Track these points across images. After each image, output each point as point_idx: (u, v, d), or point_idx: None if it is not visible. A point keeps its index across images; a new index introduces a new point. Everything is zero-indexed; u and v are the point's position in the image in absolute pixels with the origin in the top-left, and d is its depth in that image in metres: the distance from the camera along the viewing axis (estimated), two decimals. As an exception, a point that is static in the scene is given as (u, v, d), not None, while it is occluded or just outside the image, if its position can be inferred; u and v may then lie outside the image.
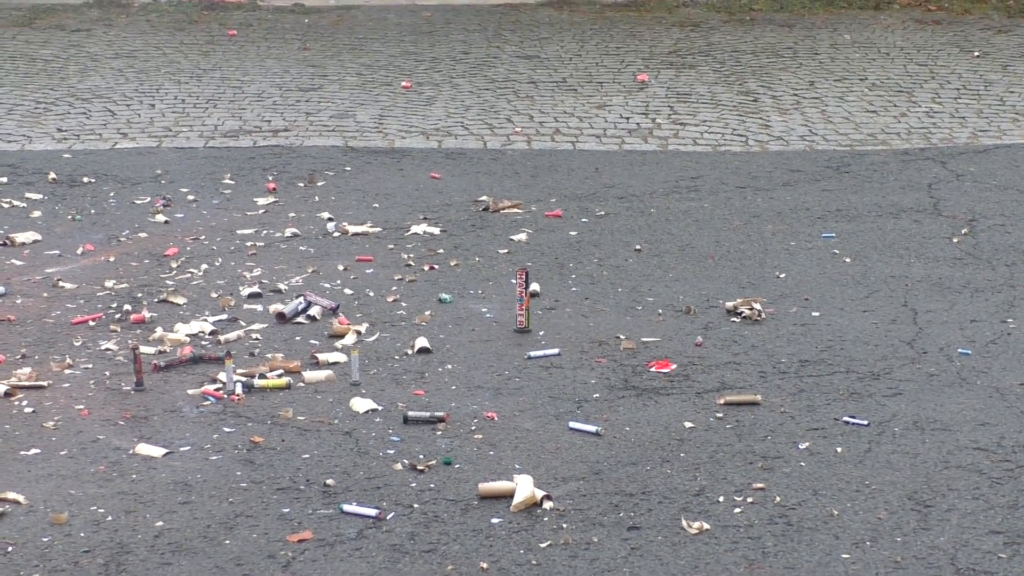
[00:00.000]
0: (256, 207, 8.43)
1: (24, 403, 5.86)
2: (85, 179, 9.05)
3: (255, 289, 7.11)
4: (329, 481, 5.14)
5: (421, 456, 5.33)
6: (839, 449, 5.36)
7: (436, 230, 8.00)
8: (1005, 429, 5.52)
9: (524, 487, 4.98)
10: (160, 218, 8.29)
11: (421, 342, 6.40)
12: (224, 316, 6.78)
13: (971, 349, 6.31)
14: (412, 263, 7.50)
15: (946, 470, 5.19)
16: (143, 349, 6.26)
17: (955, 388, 5.91)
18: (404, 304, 6.93)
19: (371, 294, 7.06)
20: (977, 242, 7.74)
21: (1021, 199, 8.49)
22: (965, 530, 4.77)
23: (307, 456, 5.33)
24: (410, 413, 5.66)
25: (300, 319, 6.71)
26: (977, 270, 7.31)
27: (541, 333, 6.53)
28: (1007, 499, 4.97)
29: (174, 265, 7.49)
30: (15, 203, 8.57)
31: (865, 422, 5.58)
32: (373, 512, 4.90)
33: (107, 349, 6.41)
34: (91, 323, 6.71)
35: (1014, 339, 6.43)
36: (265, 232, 7.99)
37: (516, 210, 8.38)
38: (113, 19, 13.99)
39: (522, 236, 7.91)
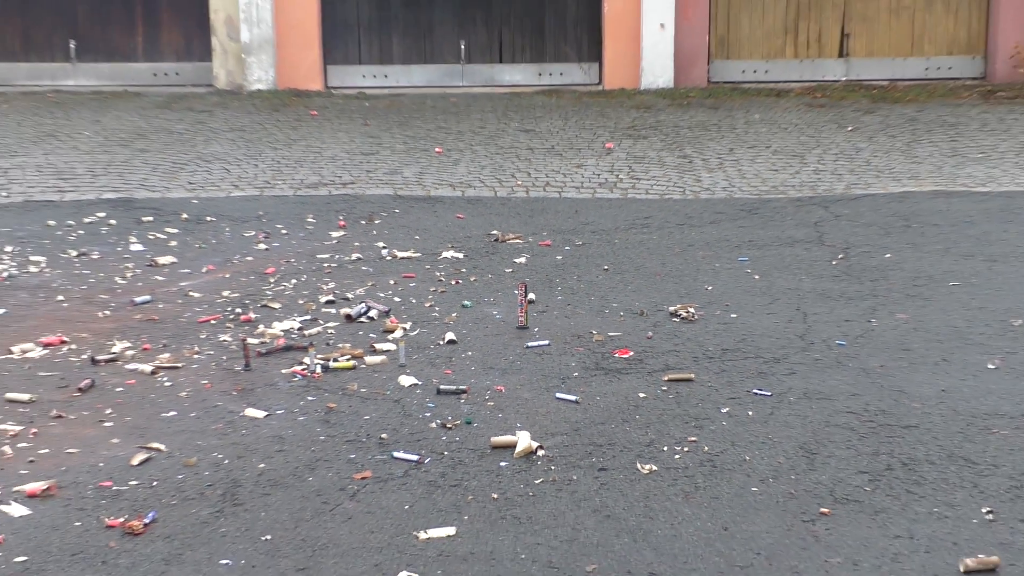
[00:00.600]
0: (331, 239, 8.46)
1: (164, 379, 5.89)
2: (208, 218, 9.08)
3: (330, 297, 7.14)
4: (383, 435, 5.16)
5: (450, 417, 5.35)
6: (750, 413, 5.38)
7: (460, 255, 8.02)
8: (870, 399, 5.54)
9: (523, 440, 5.00)
10: (262, 247, 8.32)
11: (449, 335, 6.42)
12: (308, 317, 6.81)
13: (846, 341, 6.33)
14: (443, 279, 7.52)
15: (827, 428, 5.21)
16: (250, 340, 6.29)
17: (834, 369, 5.93)
18: (437, 308, 6.95)
19: (413, 301, 7.08)
20: (850, 264, 7.75)
21: (881, 233, 8.51)
22: (840, 471, 4.79)
23: (367, 417, 5.35)
24: (441, 386, 5.68)
25: (362, 319, 6.74)
26: (850, 284, 7.32)
27: (536, 329, 6.54)
28: (871, 449, 4.99)
29: (272, 280, 7.51)
30: (158, 235, 8.61)
31: (769, 393, 5.60)
32: (415, 458, 4.92)
33: (224, 340, 6.43)
34: (212, 322, 6.73)
35: (876, 334, 6.44)
36: (337, 256, 8.01)
37: (518, 241, 8.40)
38: (228, 103, 14.04)
39: (522, 259, 7.93)
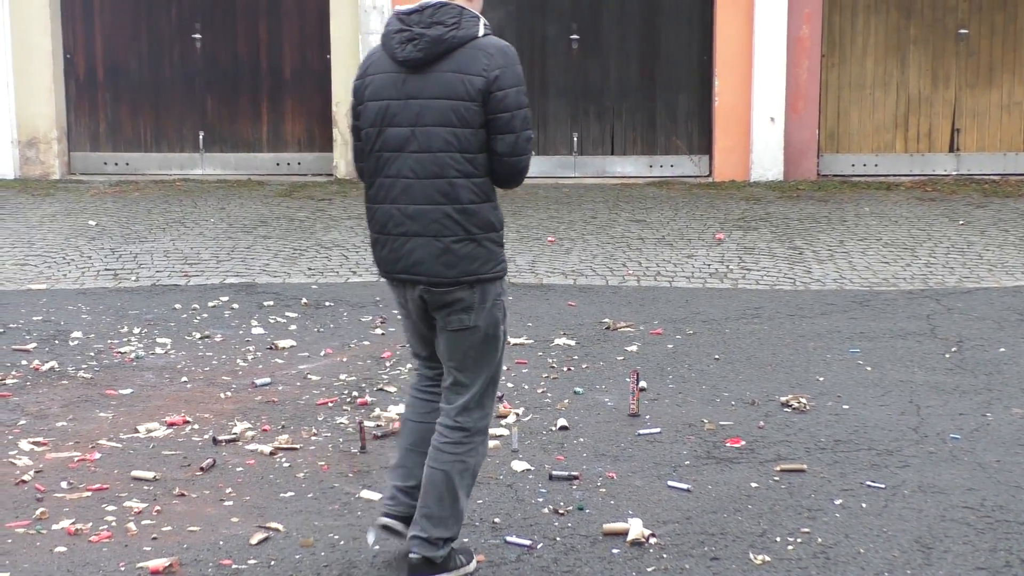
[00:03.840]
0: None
1: (283, 459, 5.94)
2: (326, 303, 9.18)
3: (445, 382, 7.14)
4: (496, 520, 5.14)
5: (562, 503, 5.32)
6: (864, 505, 5.28)
7: (572, 342, 8.01)
8: (986, 494, 5.40)
9: (635, 527, 4.96)
10: (378, 331, 8.39)
11: (561, 422, 6.40)
12: (423, 401, 6.82)
13: (960, 435, 6.20)
14: (555, 365, 7.51)
15: (943, 522, 5.09)
16: (366, 423, 6.32)
17: (949, 463, 5.80)
18: (549, 395, 6.93)
19: (526, 387, 7.07)
20: (963, 357, 7.60)
21: (995, 326, 8.34)
22: (957, 567, 4.67)
23: (480, 502, 5.34)
24: (554, 472, 5.65)
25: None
26: (964, 377, 7.18)
27: (647, 417, 6.50)
28: (989, 544, 4.86)
29: (388, 364, 7.56)
30: (278, 319, 8.72)
31: (883, 486, 5.49)
32: (528, 543, 4.89)
33: (341, 423, 6.47)
34: (330, 405, 6.78)
35: (992, 428, 6.30)
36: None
37: (629, 329, 8.37)
38: (347, 192, 14.24)
39: (633, 347, 7.90)
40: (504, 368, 7.28)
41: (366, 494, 5.41)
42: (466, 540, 4.91)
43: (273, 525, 5.09)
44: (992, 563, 4.68)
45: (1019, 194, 13.82)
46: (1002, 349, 7.77)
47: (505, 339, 4.58)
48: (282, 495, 5.46)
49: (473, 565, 4.62)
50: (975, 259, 10.58)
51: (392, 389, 7.03)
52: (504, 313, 4.54)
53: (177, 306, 9.09)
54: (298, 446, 6.10)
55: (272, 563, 4.74)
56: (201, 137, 15.28)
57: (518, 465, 5.78)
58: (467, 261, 4.31)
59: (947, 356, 7.63)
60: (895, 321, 8.51)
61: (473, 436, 4.50)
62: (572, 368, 7.46)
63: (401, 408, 6.65)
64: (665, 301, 9.20)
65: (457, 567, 4.54)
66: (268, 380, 7.22)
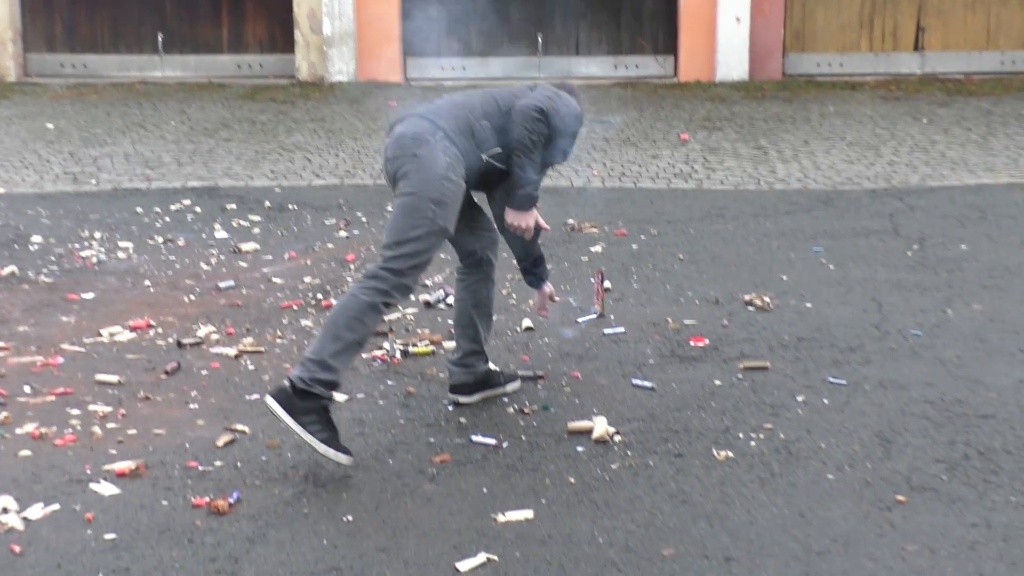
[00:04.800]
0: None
1: (248, 363, 5.93)
2: (290, 206, 9.14)
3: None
4: (462, 419, 5.16)
5: (527, 402, 5.34)
6: (826, 401, 5.32)
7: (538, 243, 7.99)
8: (946, 388, 5.46)
9: (600, 425, 4.99)
10: (342, 234, 8.36)
11: (527, 322, 6.41)
12: (388, 303, 6.82)
13: (921, 331, 6.24)
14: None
15: (903, 416, 5.14)
16: (331, 325, 6.30)
17: (909, 358, 5.85)
18: (514, 295, 6.94)
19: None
20: (925, 255, 7.65)
21: (956, 224, 8.38)
22: (917, 459, 4.72)
23: (446, 402, 5.36)
24: (520, 372, 5.67)
25: (441, 305, 6.75)
26: (925, 275, 7.22)
27: (612, 317, 6.52)
28: (947, 438, 4.92)
29: (352, 267, 7.54)
30: (242, 223, 8.67)
31: (844, 382, 5.54)
32: (493, 441, 4.92)
33: (305, 325, 6.47)
34: (294, 308, 6.77)
35: (952, 324, 6.35)
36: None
37: (594, 230, 8.37)
38: (309, 94, 14.11)
39: (598, 248, 7.90)
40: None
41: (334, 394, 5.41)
42: (432, 440, 4.93)
43: (239, 427, 5.09)
44: (950, 455, 4.74)
45: (983, 93, 13.83)
46: (963, 247, 7.81)
47: (434, 219, 4.80)
48: (248, 398, 5.46)
49: (341, 458, 4.59)
50: (938, 158, 10.60)
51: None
52: (441, 193, 4.83)
53: (139, 210, 9.02)
54: (263, 349, 6.09)
55: (239, 464, 4.75)
56: (160, 39, 15.07)
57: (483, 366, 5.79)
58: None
59: (909, 254, 7.66)
60: (858, 220, 8.53)
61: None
62: (537, 269, 7.45)
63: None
64: (630, 202, 9.19)
65: (303, 423, 4.60)
66: (232, 283, 7.20)
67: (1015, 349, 5.96)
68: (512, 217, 5.02)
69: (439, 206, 4.71)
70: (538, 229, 5.16)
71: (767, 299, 6.72)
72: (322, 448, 4.57)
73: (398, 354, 5.95)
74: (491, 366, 5.40)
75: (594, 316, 6.37)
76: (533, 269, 5.42)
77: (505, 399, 5.37)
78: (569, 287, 7.06)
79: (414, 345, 6.07)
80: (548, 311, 5.61)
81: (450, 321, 6.49)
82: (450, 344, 6.07)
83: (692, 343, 6.10)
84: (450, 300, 6.73)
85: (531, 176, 4.90)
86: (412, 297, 6.87)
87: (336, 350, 4.63)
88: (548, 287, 5.50)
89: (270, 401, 4.60)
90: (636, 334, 6.25)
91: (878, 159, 10.56)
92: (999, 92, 13.88)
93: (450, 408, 5.28)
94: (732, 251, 7.79)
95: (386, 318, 6.53)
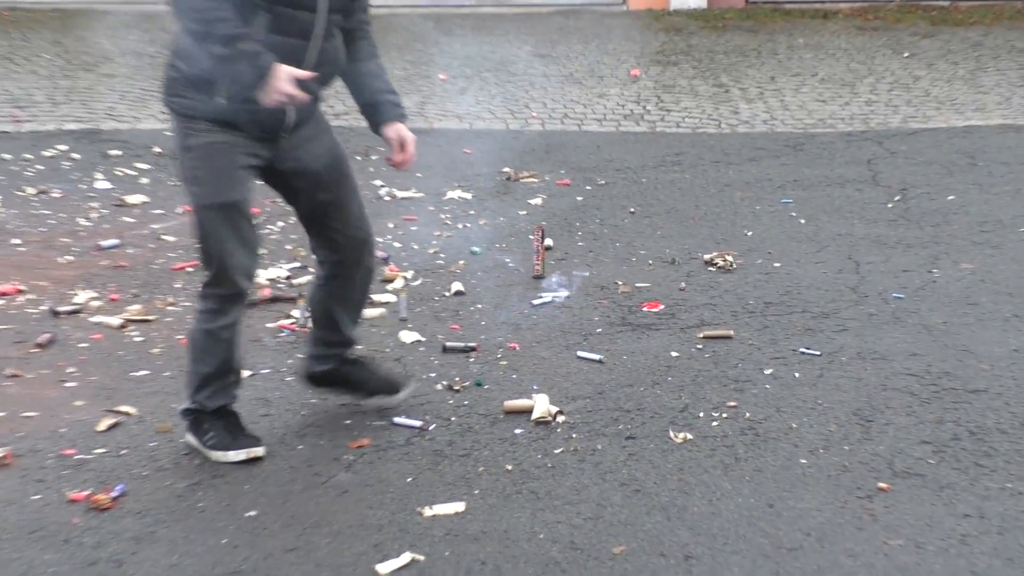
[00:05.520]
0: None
1: (135, 333, 5.85)
2: (183, 153, 9.01)
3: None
4: (382, 398, 5.11)
5: (457, 379, 5.29)
6: (797, 374, 5.32)
7: (468, 195, 7.95)
8: (932, 359, 5.47)
9: (541, 404, 4.95)
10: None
11: (456, 286, 6.37)
12: (296, 264, 6.75)
13: (904, 294, 6.26)
14: (449, 222, 7.45)
15: (884, 392, 5.14)
16: (231, 290, 6.22)
17: (891, 325, 5.86)
18: (442, 255, 6.89)
19: (415, 247, 7.02)
20: (908, 207, 7.67)
21: (943, 172, 8.41)
22: (900, 440, 4.73)
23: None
24: (448, 343, 5.63)
25: (359, 266, 6.68)
26: (908, 230, 7.24)
27: (553, 279, 6.48)
28: (934, 415, 4.93)
29: (256, 222, 7.43)
30: (127, 171, 8.54)
31: (818, 352, 5.53)
32: (418, 424, 4.87)
33: (201, 290, 6.38)
34: (189, 269, 6.68)
35: (938, 286, 6.37)
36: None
37: (533, 179, 8.33)
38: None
39: (538, 200, 7.86)
40: (390, 225, 7.21)
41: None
42: (348, 422, 4.88)
43: (124, 409, 5.01)
44: (938, 436, 4.75)
45: (971, 22, 13.89)
46: (951, 197, 7.84)
47: (200, 203, 4.48)
48: (134, 374, 5.38)
49: (230, 456, 4.56)
50: (921, 96, 10.63)
51: (262, 251, 6.92)
52: (189, 169, 4.45)
53: (6, 156, 8.86)
54: (152, 317, 6.00)
55: (123, 452, 4.67)
56: (31, -41, 14.79)
57: (407, 336, 5.75)
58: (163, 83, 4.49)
59: (890, 206, 7.68)
60: (832, 167, 8.55)
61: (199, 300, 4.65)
62: (468, 225, 7.41)
63: (273, 272, 6.59)
64: (574, 147, 9.15)
65: (203, 441, 4.62)
66: (116, 242, 7.09)
67: (1009, 314, 5.98)
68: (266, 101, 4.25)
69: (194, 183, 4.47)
70: (321, 80, 4.43)
71: (730, 258, 6.71)
72: (214, 455, 4.57)
73: (308, 323, 5.88)
74: (373, 366, 5.08)
75: (546, 299, 6.31)
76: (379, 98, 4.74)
77: (432, 374, 5.32)
78: (505, 246, 7.02)
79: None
80: (406, 161, 4.90)
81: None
82: (370, 312, 6.01)
83: (645, 309, 6.08)
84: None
85: (206, 56, 4.21)
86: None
87: (197, 386, 4.61)
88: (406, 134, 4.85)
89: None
90: (581, 299, 6.22)
91: (854, 98, 10.58)
92: (989, 21, 13.95)
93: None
94: (690, 203, 7.77)
95: (295, 282, 6.46)
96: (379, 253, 6.66)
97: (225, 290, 4.53)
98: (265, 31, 4.22)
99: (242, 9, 4.17)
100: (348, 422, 4.89)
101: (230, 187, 4.45)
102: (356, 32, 4.62)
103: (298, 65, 4.25)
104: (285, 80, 4.16)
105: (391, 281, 6.46)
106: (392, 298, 6.20)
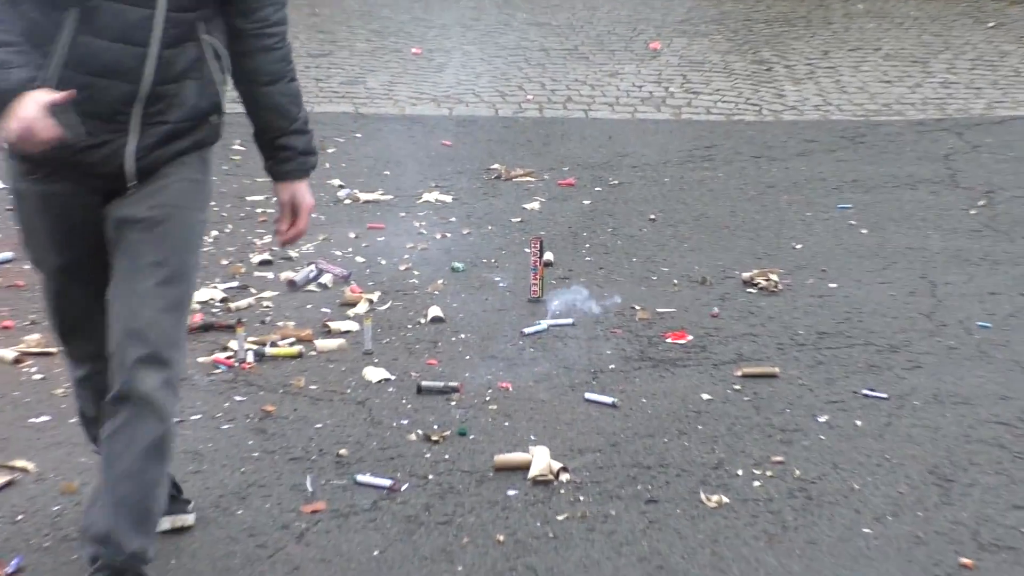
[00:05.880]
0: (265, 174, 8.38)
1: (33, 369, 5.83)
2: (94, 144, 9.01)
3: (266, 256, 7.08)
4: (342, 451, 5.09)
5: (435, 427, 5.28)
6: (858, 422, 5.31)
7: (448, 198, 7.96)
8: (1026, 403, 5.48)
9: (540, 459, 4.94)
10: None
11: (434, 311, 6.36)
12: (235, 283, 6.75)
13: (990, 322, 6.26)
14: (424, 231, 7.45)
15: (967, 444, 5.14)
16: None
17: (975, 361, 5.86)
18: (416, 272, 6.89)
19: (383, 262, 7.02)
20: (995, 214, 7.68)
21: (1039, 171, 8.44)
22: (987, 505, 4.72)
23: (320, 426, 5.28)
24: (424, 383, 5.61)
25: (311, 287, 6.68)
26: (996, 242, 7.25)
27: (555, 303, 6.48)
28: (1030, 474, 4.92)
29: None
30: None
31: (884, 395, 5.53)
32: (387, 483, 4.85)
33: (117, 316, 6.36)
34: (100, 289, 6.66)
35: (1034, 312, 6.39)
36: (275, 199, 7.94)
37: (528, 178, 8.33)
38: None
39: (535, 205, 7.86)
40: (351, 235, 7.21)
41: (154, 417, 5.33)
42: (299, 482, 4.86)
43: (20, 464, 4.99)
44: (1035, 500, 4.75)
45: (1071, -15, 13.95)
46: (1048, 202, 7.88)
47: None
48: (32, 420, 5.36)
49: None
50: (1010, 76, 10.66)
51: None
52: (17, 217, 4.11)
53: None
54: (54, 350, 5.98)
55: (19, 518, 4.65)
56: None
57: (372, 373, 5.73)
58: None
59: (972, 212, 7.69)
60: (900, 164, 8.56)
61: None
62: (448, 235, 7.43)
63: (206, 293, 6.58)
64: (579, 138, 9.16)
65: None
66: (10, 256, 7.08)
67: (1121, 347, 6.00)
68: None
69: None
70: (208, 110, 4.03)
71: (774, 277, 6.71)
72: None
73: (250, 357, 5.87)
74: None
75: (541, 327, 6.30)
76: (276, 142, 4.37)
77: (404, 420, 5.31)
78: (494, 261, 7.01)
79: (273, 344, 6.00)
80: (294, 237, 4.63)
81: (325, 309, 6.43)
82: (325, 344, 6.01)
83: (669, 340, 6.08)
84: (325, 279, 6.67)
85: None
86: (270, 274, 6.80)
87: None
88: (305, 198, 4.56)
89: None
90: (590, 328, 6.22)
91: (927, 78, 10.61)
92: (1093, -15, 14.01)
93: (324, 430, 5.21)
94: (724, 209, 7.78)
95: (233, 305, 6.46)
96: (339, 270, 6.67)
97: (64, 348, 4.28)
98: (73, 31, 3.70)
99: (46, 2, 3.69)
100: (299, 482, 4.87)
101: (52, 248, 4.05)
102: (255, 37, 4.05)
103: (128, 82, 3.77)
104: (28, 107, 3.56)
105: (353, 305, 6.46)
106: (354, 326, 6.20)
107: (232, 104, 4.10)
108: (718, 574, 4.33)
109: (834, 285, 6.69)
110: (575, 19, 12.50)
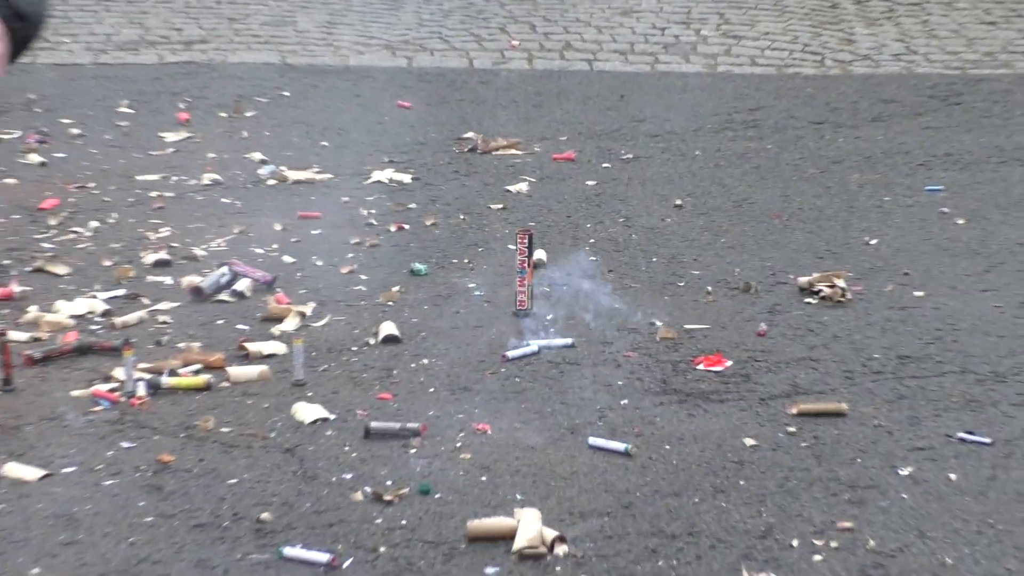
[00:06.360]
0: (163, 145, 8.38)
1: None
2: (-67, 106, 9.02)
3: (162, 256, 7.07)
4: (264, 515, 5.08)
5: (389, 482, 5.26)
6: (952, 476, 5.31)
7: (406, 177, 7.97)
8: None
9: (529, 525, 4.93)
10: (34, 159, 8.25)
11: (387, 328, 6.36)
12: (121, 291, 6.74)
13: None
14: (375, 221, 7.46)
15: (1098, 505, 5.15)
16: (12, 335, 6.21)
17: (1108, 395, 5.88)
18: (364, 277, 6.89)
19: (319, 263, 7.02)
20: None
21: None
22: None
23: (234, 481, 5.26)
24: (374, 424, 5.60)
25: (223, 296, 6.68)
26: None
27: (549, 317, 6.48)
28: None
29: (53, 222, 7.45)
30: None
31: (987, 440, 5.53)
32: (324, 558, 4.85)
33: (-37, 335, 6.36)
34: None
35: None
36: (176, 179, 7.95)
37: (514, 151, 8.33)
38: None
39: (522, 186, 7.87)
40: (277, 228, 7.23)
41: (13, 470, 5.31)
42: (206, 555, 4.86)
43: None
44: None
45: None
46: None
47: None
48: None
49: None
50: None
51: (61, 270, 6.92)
52: None
53: None
54: None
55: None
56: None
57: (305, 411, 5.71)
58: None
59: (1105, 197, 7.72)
60: (1008, 132, 8.57)
61: None
62: (405, 226, 7.46)
63: (82, 304, 6.57)
64: (581, 97, 9.16)
65: None
66: None
67: None
68: None
69: None
70: None
71: (841, 283, 6.72)
72: None
73: (141, 389, 5.86)
74: None
75: (530, 349, 6.31)
76: None
77: (347, 475, 5.30)
78: (467, 261, 7.02)
79: (172, 373, 5.99)
80: None
81: (241, 326, 6.43)
82: (242, 372, 6.00)
83: (701, 367, 6.09)
84: (241, 285, 6.67)
85: None
86: (168, 279, 6.81)
87: None
88: None
89: None
90: (595, 351, 6.23)
91: (1044, 18, 10.64)
92: None
93: (240, 487, 5.19)
94: (774, 191, 7.79)
95: (119, 321, 6.45)
96: (260, 274, 6.68)
97: None
98: None
99: None
100: (206, 555, 4.87)
101: None
102: None
103: None
104: None
105: (279, 320, 6.45)
106: (280, 348, 6.20)
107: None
108: None
109: (920, 294, 6.71)
110: (576, -61, 12.53)
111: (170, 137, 8.47)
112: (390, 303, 6.63)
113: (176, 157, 8.21)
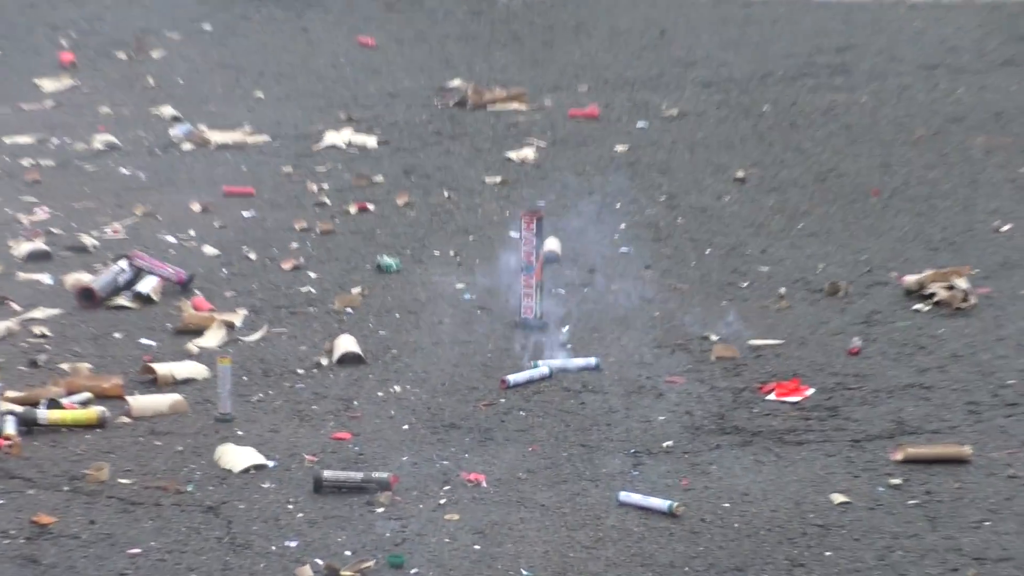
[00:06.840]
0: (39, 96, 8.37)
1: None
2: None
3: (39, 245, 7.06)
4: (179, 596, 5.07)
5: (348, 552, 5.24)
6: (1115, 545, 5.29)
7: (371, 140, 7.97)
8: None
9: (539, 612, 4.93)
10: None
11: (345, 344, 6.33)
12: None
13: None
14: (328, 200, 7.45)
15: None
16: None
17: None
18: (313, 275, 6.88)
19: (252, 256, 7.01)
20: None
21: None
22: None
23: (137, 551, 5.24)
24: (327, 473, 5.57)
25: (122, 300, 6.66)
26: None
27: (565, 328, 6.46)
28: None
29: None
30: None
31: None
32: (261, 661, 4.84)
33: None
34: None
35: None
36: (57, 142, 7.95)
37: (516, 105, 8.33)
38: None
39: (528, 152, 7.87)
40: (194, 208, 7.22)
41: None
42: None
43: None
44: None
45: None
46: None
47: None
48: None
49: None
50: None
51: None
52: None
53: None
54: None
55: None
56: None
57: (234, 456, 5.69)
58: None
59: None
60: None
61: None
62: (371, 207, 7.46)
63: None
64: (607, 33, 9.16)
65: None
66: None
67: None
68: None
69: None
70: None
71: (961, 284, 6.69)
72: None
73: (10, 426, 5.83)
74: None
75: (539, 372, 6.29)
76: None
77: (291, 543, 5.26)
78: (453, 254, 7.00)
79: (53, 404, 5.96)
80: None
81: (146, 340, 6.40)
82: (147, 402, 5.96)
83: (772, 396, 6.06)
84: (146, 285, 6.64)
85: None
86: (47, 277, 6.79)
87: None
88: None
89: None
90: (629, 372, 6.20)
91: None
92: None
93: (145, 559, 5.16)
94: (870, 161, 7.78)
95: (40, 331, 6.46)
96: (171, 270, 6.67)
97: None
98: None
99: None
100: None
101: None
102: None
103: None
104: None
105: (197, 333, 6.42)
106: (202, 370, 6.16)
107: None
108: None
109: (1069, 298, 6.70)
110: None
111: (49, 85, 8.47)
112: (349, 310, 6.63)
113: (57, 113, 8.22)
